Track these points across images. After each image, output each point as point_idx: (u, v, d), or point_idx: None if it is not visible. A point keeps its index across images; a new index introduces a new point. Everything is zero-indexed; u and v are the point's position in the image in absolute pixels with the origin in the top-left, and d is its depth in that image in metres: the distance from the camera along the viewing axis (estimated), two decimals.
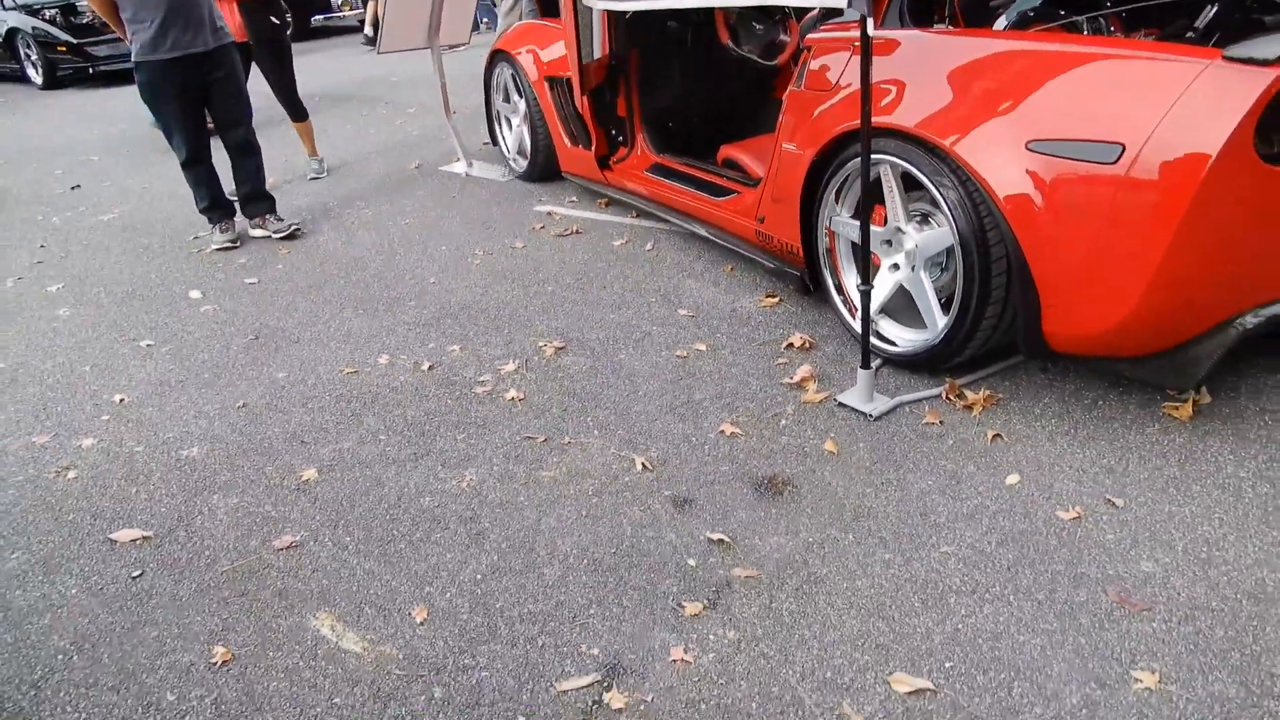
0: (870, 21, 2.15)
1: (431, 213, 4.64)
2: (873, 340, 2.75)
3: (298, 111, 5.33)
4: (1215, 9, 3.03)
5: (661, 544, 2.10)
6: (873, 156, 2.54)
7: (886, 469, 2.29)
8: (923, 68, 2.49)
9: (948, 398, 2.54)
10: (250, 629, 1.96)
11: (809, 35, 2.91)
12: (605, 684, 1.74)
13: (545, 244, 4.05)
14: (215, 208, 4.31)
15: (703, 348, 2.97)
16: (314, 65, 9.97)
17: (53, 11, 10.02)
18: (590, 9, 3.64)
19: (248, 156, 4.38)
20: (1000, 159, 2.22)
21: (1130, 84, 2.03)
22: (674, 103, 4.10)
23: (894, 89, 2.54)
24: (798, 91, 2.90)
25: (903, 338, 2.69)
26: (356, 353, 3.19)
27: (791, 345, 2.92)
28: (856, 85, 2.60)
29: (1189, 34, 2.98)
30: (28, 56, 10.40)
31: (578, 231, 4.16)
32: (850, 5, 2.14)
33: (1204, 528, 1.99)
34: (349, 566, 2.12)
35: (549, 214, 4.44)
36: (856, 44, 2.68)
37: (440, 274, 3.82)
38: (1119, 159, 2.00)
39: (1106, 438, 2.32)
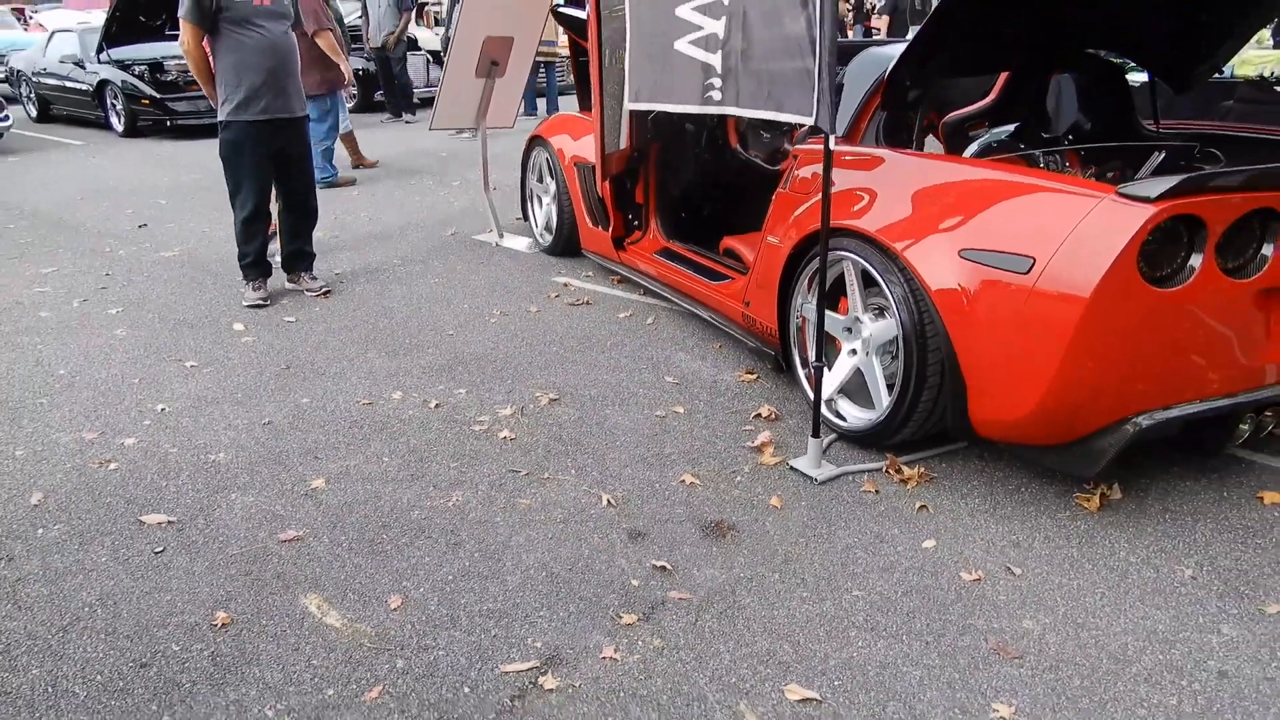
0: (832, 138, 2.56)
1: (459, 275, 5.07)
2: (829, 416, 3.07)
3: None
4: (1162, 156, 3.42)
5: (612, 566, 2.40)
6: (836, 253, 2.92)
7: (820, 525, 2.58)
8: (888, 182, 2.88)
9: (888, 471, 2.84)
10: (249, 601, 2.28)
11: (797, 146, 3.32)
12: (542, 670, 2.03)
13: (557, 310, 4.45)
14: (256, 265, 4.63)
15: (680, 410, 3.31)
16: (372, 135, 10.69)
17: (141, 68, 10.88)
18: (617, 105, 4.11)
19: (307, 219, 4.77)
20: (938, 263, 2.58)
21: (1045, 210, 2.40)
22: (686, 195, 4.54)
23: (865, 197, 2.92)
24: (783, 193, 3.31)
25: (854, 415, 3.01)
26: (374, 387, 3.56)
27: (760, 415, 3.24)
28: (841, 190, 3.01)
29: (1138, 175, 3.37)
30: (113, 106, 11.25)
31: (588, 302, 4.55)
32: (815, 120, 2.54)
33: (1087, 599, 2.26)
34: (340, 560, 2.44)
35: (565, 285, 4.86)
36: (842, 155, 3.10)
37: (459, 327, 4.22)
38: (1030, 270, 2.35)
39: (1020, 518, 2.61)
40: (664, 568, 2.38)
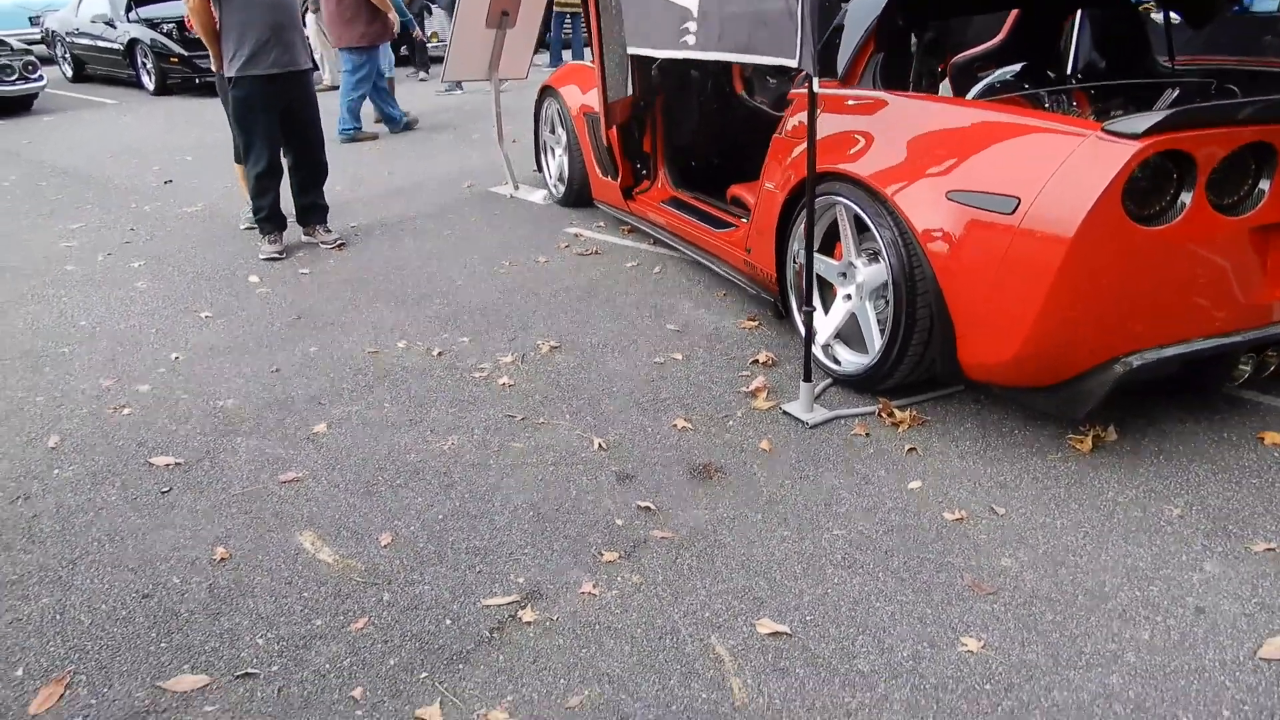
0: (815, 80, 2.53)
1: (472, 228, 5.11)
2: (825, 361, 3.08)
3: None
4: (1176, 93, 3.32)
5: (598, 507, 2.45)
6: (828, 198, 2.90)
7: (808, 467, 2.60)
8: (880, 125, 2.84)
9: (880, 415, 2.85)
10: (247, 538, 2.37)
11: (792, 90, 3.28)
12: (522, 604, 2.09)
13: (566, 261, 4.47)
14: (271, 219, 4.70)
15: (679, 357, 3.33)
16: (395, 92, 10.70)
17: (170, 26, 10.96)
18: (619, 52, 4.08)
19: (317, 173, 4.84)
20: (925, 206, 2.56)
21: (1032, 149, 2.36)
22: (693, 143, 4.51)
23: (858, 141, 2.89)
24: (780, 139, 3.28)
25: (849, 360, 3.01)
26: (380, 337, 3.62)
27: (757, 361, 3.26)
28: (824, 134, 2.98)
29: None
30: (144, 64, 11.38)
31: (597, 252, 4.57)
32: (799, 62, 2.51)
33: (1068, 537, 2.26)
34: (336, 500, 2.52)
35: (576, 235, 4.87)
36: (827, 100, 3.06)
37: (468, 279, 4.26)
38: (1015, 210, 2.32)
39: (1010, 460, 2.60)
40: (649, 508, 2.43)
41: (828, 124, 3.04)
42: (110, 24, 11.77)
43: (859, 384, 2.97)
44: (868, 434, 2.76)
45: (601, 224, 5.05)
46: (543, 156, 5.67)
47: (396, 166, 6.75)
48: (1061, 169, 2.24)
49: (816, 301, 3.15)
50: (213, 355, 3.52)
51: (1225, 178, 2.26)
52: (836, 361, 3.06)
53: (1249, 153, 2.25)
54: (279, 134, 4.60)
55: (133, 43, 11.37)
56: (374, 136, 7.90)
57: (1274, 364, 2.60)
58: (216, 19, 4.37)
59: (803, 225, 3.11)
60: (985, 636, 1.95)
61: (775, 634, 1.97)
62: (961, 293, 2.52)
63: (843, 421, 2.84)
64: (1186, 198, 2.22)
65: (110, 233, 5.32)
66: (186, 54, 10.84)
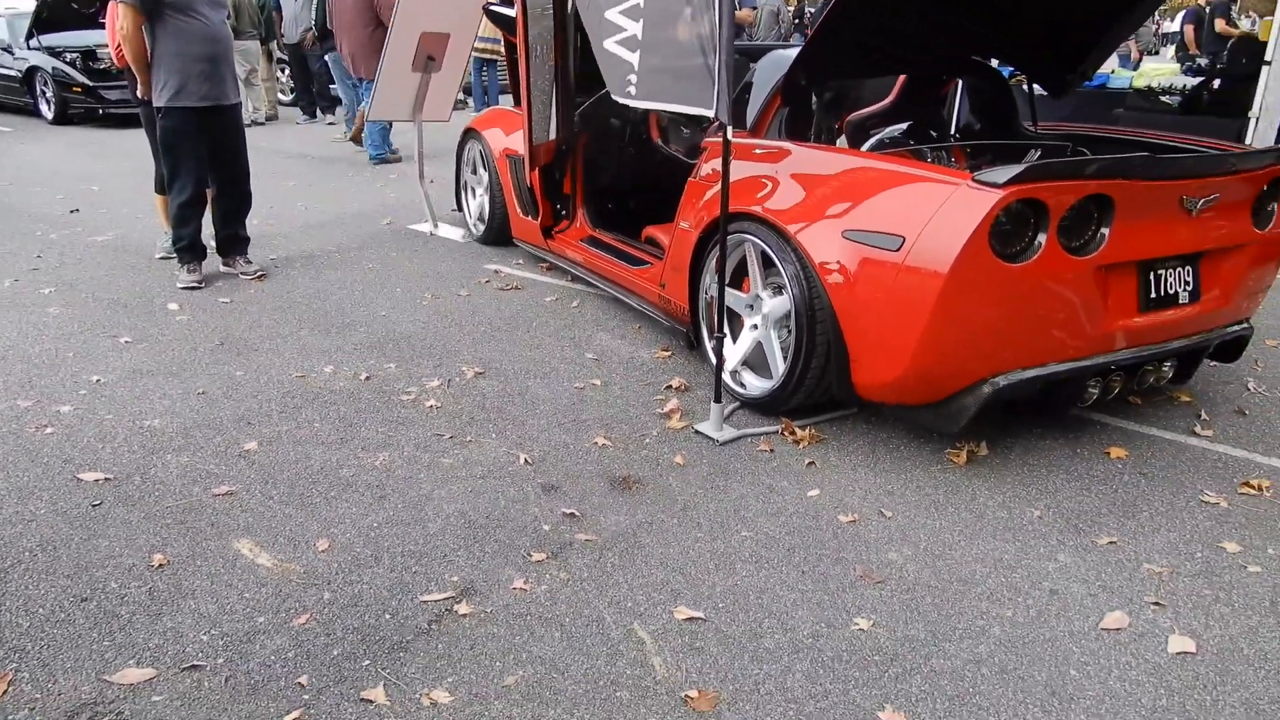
0: (729, 128, 2.82)
1: (393, 262, 5.24)
2: (733, 386, 3.35)
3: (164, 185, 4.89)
4: (1039, 154, 3.77)
5: (526, 514, 2.62)
6: (738, 236, 3.20)
7: (718, 478, 2.84)
8: (785, 171, 3.16)
9: (783, 433, 3.12)
10: (184, 546, 2.45)
11: (705, 139, 3.59)
12: (458, 599, 2.24)
13: (487, 294, 4.65)
14: (191, 249, 4.71)
15: (597, 383, 3.55)
16: (312, 129, 10.73)
17: (74, 55, 10.75)
18: (545, 99, 4.33)
19: (241, 204, 4.90)
20: (824, 243, 2.87)
21: (915, 194, 2.69)
22: (611, 186, 4.78)
23: (765, 185, 3.20)
24: (695, 182, 3.57)
25: (754, 384, 3.29)
26: (306, 362, 3.72)
27: (671, 387, 3.50)
28: (736, 179, 3.28)
29: None
30: (43, 93, 11.09)
31: (517, 288, 4.77)
32: (715, 112, 2.80)
33: (945, 535, 2.56)
34: (271, 510, 2.62)
35: (496, 271, 5.06)
36: (737, 148, 3.38)
37: (391, 309, 4.40)
38: (900, 248, 2.64)
39: (896, 471, 2.90)
40: (573, 515, 2.62)
41: (738, 170, 3.34)
42: (8, 50, 11.45)
43: (764, 406, 3.24)
44: (772, 450, 3.02)
45: (520, 261, 5.25)
46: (464, 196, 5.85)
47: (312, 202, 6.82)
48: (939, 212, 2.58)
49: (725, 330, 3.44)
50: (135, 378, 3.55)
51: (1074, 223, 2.64)
52: (743, 386, 3.33)
53: (1092, 203, 2.64)
54: (204, 165, 4.66)
55: (32, 70, 11.09)
56: (399, 159, 8.09)
57: (1118, 387, 2.99)
58: (149, 48, 4.41)
59: (714, 261, 3.40)
60: (874, 617, 2.20)
61: (691, 619, 2.18)
62: (855, 321, 2.82)
63: (749, 439, 3.10)
64: (1042, 240, 2.58)
65: (16, 260, 5.23)
66: (91, 84, 10.64)
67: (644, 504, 2.69)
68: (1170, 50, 11.70)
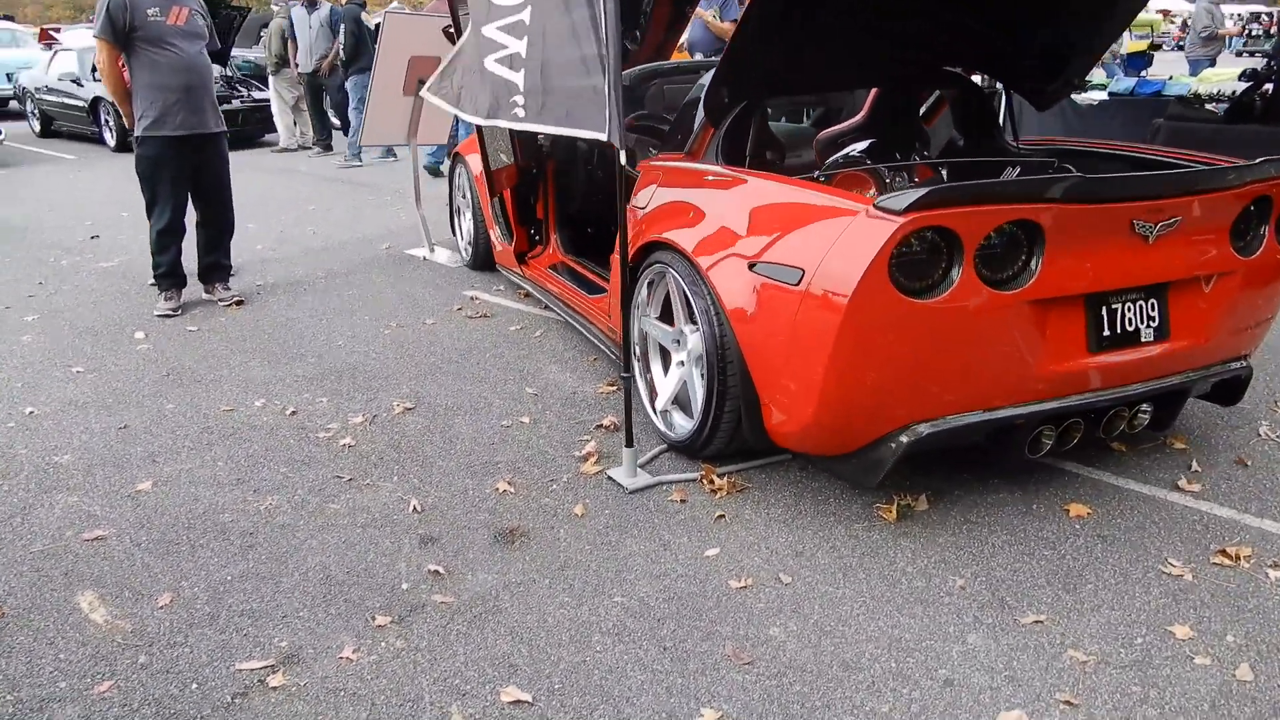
0: (622, 154, 2.60)
1: (375, 288, 5.16)
2: (661, 426, 3.10)
3: None
4: (1017, 171, 3.42)
5: (390, 570, 2.44)
6: (661, 267, 2.96)
7: (613, 532, 2.60)
8: (704, 198, 2.92)
9: (702, 481, 2.86)
10: (28, 596, 2.35)
11: (640, 163, 3.37)
12: (275, 668, 2.07)
13: (453, 323, 4.51)
14: (170, 276, 4.73)
15: (527, 420, 3.35)
16: (311, 165, 10.88)
17: None
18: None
19: (222, 233, 4.89)
20: (730, 276, 2.61)
21: (817, 223, 2.42)
22: (582, 210, 4.59)
23: (685, 212, 2.96)
24: (629, 208, 3.34)
25: (681, 426, 3.03)
26: (242, 395, 3.63)
27: (601, 426, 3.28)
28: (660, 205, 3.06)
29: None
30: (106, 122, 11.57)
31: (485, 316, 4.61)
32: (607, 136, 2.58)
33: (845, 607, 2.26)
34: (132, 559, 2.51)
35: (472, 298, 4.92)
36: (667, 171, 3.15)
37: (349, 339, 4.29)
38: (800, 281, 2.37)
39: (815, 527, 2.61)
40: (438, 572, 2.42)
41: (666, 196, 3.12)
42: (77, 81, 11.98)
43: (686, 450, 2.99)
44: (684, 500, 2.77)
45: (501, 288, 5.10)
46: (455, 220, 5.75)
47: (323, 226, 6.84)
48: (838, 242, 2.30)
49: (659, 367, 3.20)
50: (67, 410, 3.52)
51: (998, 253, 2.32)
52: (672, 428, 3.08)
53: (1020, 230, 2.32)
54: (184, 193, 4.64)
55: (96, 100, 11.56)
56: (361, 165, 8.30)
57: (1077, 435, 2.64)
58: (128, 79, 4.43)
59: (644, 293, 3.17)
60: (725, 708, 1.93)
61: (516, 702, 1.95)
62: (761, 361, 2.56)
63: (664, 487, 2.85)
64: (956, 272, 2.27)
65: (19, 286, 5.35)
66: None
67: (521, 561, 2.48)
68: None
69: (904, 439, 2.41)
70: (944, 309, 2.28)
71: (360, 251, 6.06)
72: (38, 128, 13.34)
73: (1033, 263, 2.34)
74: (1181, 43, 16.48)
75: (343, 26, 9.34)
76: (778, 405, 2.55)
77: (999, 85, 3.68)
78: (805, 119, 4.93)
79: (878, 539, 2.55)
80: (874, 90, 3.76)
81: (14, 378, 3.87)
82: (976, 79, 3.73)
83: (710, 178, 2.95)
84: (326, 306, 4.82)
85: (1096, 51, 3.36)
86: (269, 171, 9.61)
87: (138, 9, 4.25)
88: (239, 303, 4.89)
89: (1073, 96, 7.41)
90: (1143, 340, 2.55)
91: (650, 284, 3.13)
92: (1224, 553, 2.44)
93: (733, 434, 2.80)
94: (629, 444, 2.86)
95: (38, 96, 13.04)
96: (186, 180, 4.64)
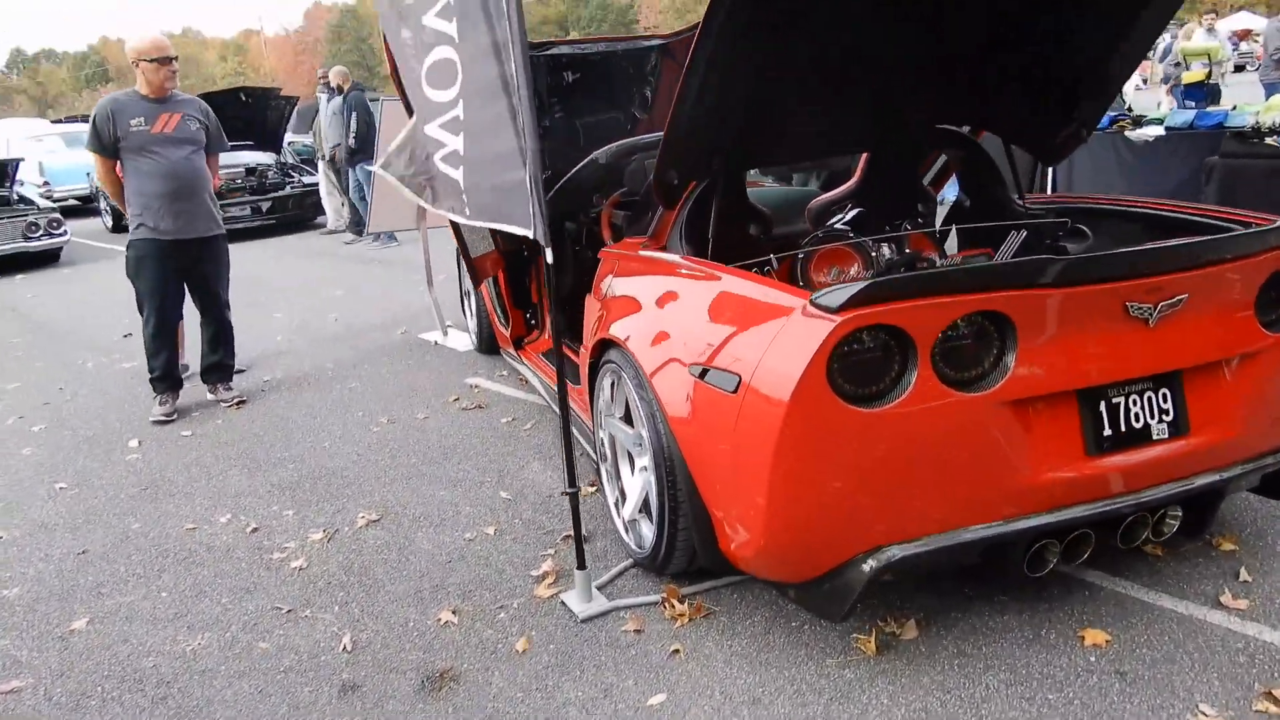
0: (548, 250, 2.38)
1: (379, 379, 5.03)
2: (627, 540, 2.82)
3: None
4: (1024, 234, 3.08)
5: None
6: (612, 365, 2.71)
7: (552, 675, 2.32)
8: (652, 291, 2.66)
9: (663, 605, 2.56)
10: None
11: (602, 250, 3.14)
12: None
13: (446, 416, 4.32)
14: (164, 380, 4.68)
15: (491, 531, 3.10)
16: (347, 254, 11.02)
17: None
18: None
19: (220, 334, 4.83)
20: (671, 380, 2.34)
21: (756, 319, 2.13)
22: (575, 291, 4.38)
23: (633, 306, 2.71)
24: (589, 298, 3.12)
25: (646, 538, 2.74)
26: (210, 509, 3.49)
27: (569, 537, 3.00)
28: (615, 296, 2.82)
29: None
30: None
31: (480, 407, 4.42)
32: (533, 234, 2.37)
33: None
34: (40, 714, 2.33)
35: (473, 387, 4.74)
36: (621, 259, 2.92)
37: (337, 439, 4.14)
38: (736, 389, 2.08)
39: (782, 664, 2.28)
40: None
41: (619, 287, 2.89)
42: None
43: (649, 567, 2.70)
44: (639, 631, 2.47)
45: (505, 373, 4.92)
46: (465, 302, 5.63)
47: (346, 312, 6.81)
48: (773, 344, 2.01)
49: (629, 471, 2.93)
50: (35, 533, 3.43)
51: (960, 349, 2.00)
52: (640, 541, 2.78)
53: (987, 321, 2.00)
54: (173, 297, 4.61)
55: None
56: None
57: (1088, 549, 2.25)
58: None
59: (605, 392, 2.92)
60: None
61: None
62: (706, 474, 2.27)
63: (620, 614, 2.55)
64: (912, 374, 1.96)
65: (39, 393, 5.40)
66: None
67: (439, 715, 2.21)
68: None
69: (872, 564, 2.07)
70: (901, 415, 1.96)
71: (375, 338, 5.98)
72: (110, 223, 13.95)
73: (1006, 358, 2.01)
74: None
75: (353, 114, 9.46)
76: (729, 523, 2.25)
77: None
78: (815, 180, 4.68)
79: (851, 679, 2.20)
80: (864, 154, 3.49)
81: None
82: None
83: (651, 267, 2.70)
84: (324, 402, 4.71)
85: (1109, 92, 3.01)
86: (309, 256, 9.77)
87: (121, 120, 4.27)
88: (240, 403, 4.82)
89: (1126, 134, 6.96)
90: (1155, 438, 2.17)
91: (612, 383, 2.87)
92: (1271, 695, 2.02)
93: (692, 552, 2.50)
94: (580, 565, 2.58)
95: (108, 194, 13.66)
96: (174, 283, 4.57)
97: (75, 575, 3.08)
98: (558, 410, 3.80)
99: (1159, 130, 6.84)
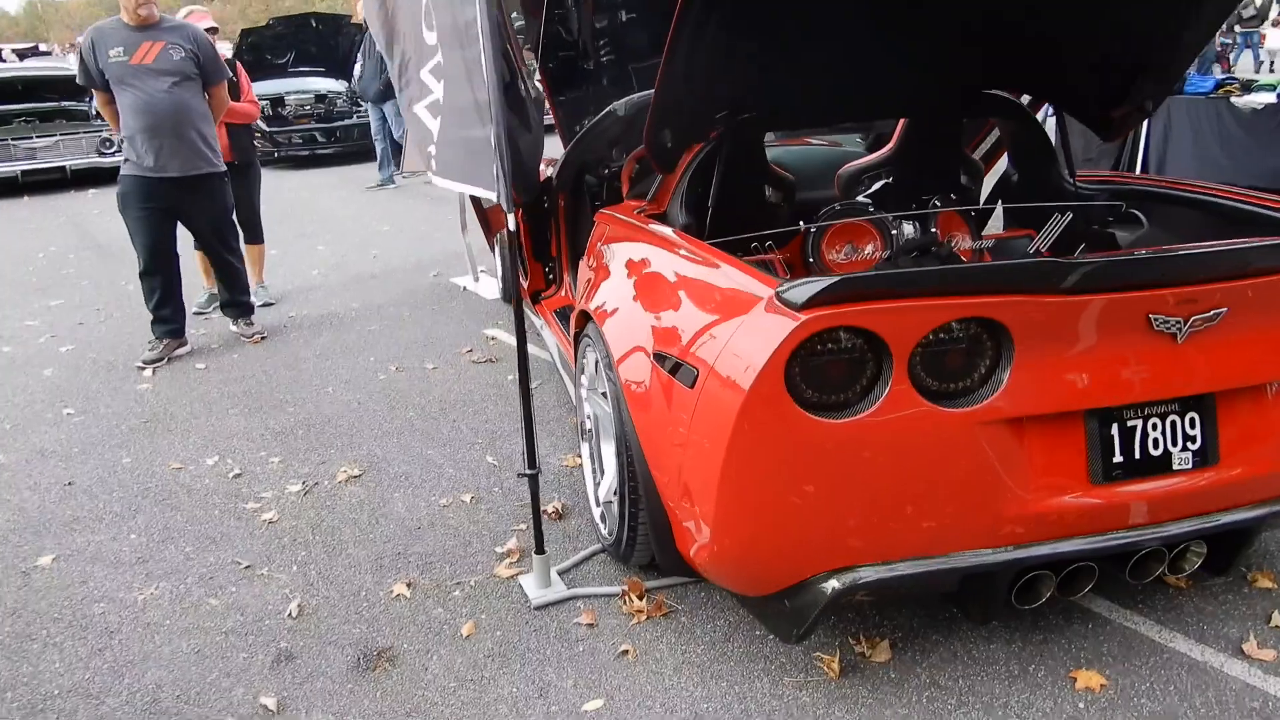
0: (511, 216, 2.19)
1: (398, 324, 4.94)
2: (598, 522, 2.67)
3: (255, 234, 5.32)
4: (1068, 218, 2.77)
5: (225, 698, 2.12)
6: (586, 341, 2.53)
7: (490, 666, 2.19)
8: (631, 263, 2.45)
9: (622, 598, 2.40)
10: None
11: (599, 211, 2.93)
12: None
13: (454, 369, 4.21)
14: (158, 322, 4.49)
15: (468, 499, 2.98)
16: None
17: (264, 103, 11.64)
18: None
19: (226, 272, 4.72)
20: (633, 364, 2.15)
21: (720, 308, 1.91)
22: None
23: (610, 279, 2.51)
24: (583, 260, 2.92)
25: (614, 524, 2.58)
26: (201, 450, 3.45)
27: (544, 512, 2.85)
28: (600, 265, 2.62)
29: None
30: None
31: (491, 360, 4.29)
32: (497, 197, 2.18)
33: None
34: None
35: (490, 339, 4.61)
36: (612, 222, 2.71)
37: (340, 385, 4.07)
38: (695, 383, 1.88)
39: (735, 678, 2.10)
40: (269, 709, 2.08)
41: (607, 255, 2.68)
42: None
43: (613, 555, 2.53)
44: (592, 625, 2.32)
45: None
46: (494, 249, 5.47)
47: (386, 250, 6.75)
48: (733, 338, 1.79)
49: (609, 452, 2.76)
50: (32, 460, 3.44)
51: (946, 359, 1.75)
52: (611, 530, 2.62)
53: (980, 329, 1.74)
54: (161, 236, 4.39)
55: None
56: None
57: (1089, 584, 1.99)
58: None
59: (589, 365, 2.74)
60: None
61: None
62: (665, 471, 2.07)
63: (575, 604, 2.40)
64: (885, 383, 1.72)
65: (77, 313, 5.48)
66: (267, 129, 11.41)
67: (368, 697, 2.10)
68: None
69: (835, 584, 1.85)
70: (871, 427, 1.73)
71: (407, 280, 5.89)
72: None
73: (999, 372, 1.76)
74: None
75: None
76: (685, 524, 2.06)
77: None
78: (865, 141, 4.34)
79: (807, 703, 2.02)
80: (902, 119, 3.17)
81: (7, 418, 3.86)
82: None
83: (633, 235, 2.48)
84: (340, 344, 4.64)
85: (1178, 66, 2.64)
86: (366, 189, 9.72)
87: (101, 50, 4.07)
88: (261, 338, 4.78)
89: (1232, 99, 6.35)
90: (1176, 468, 1.89)
91: (596, 359, 2.68)
92: None
93: (651, 545, 2.33)
94: (539, 550, 2.43)
95: None
96: (161, 221, 4.35)
97: (56, 507, 3.07)
98: (562, 373, 3.65)
99: (1270, 97, 6.19)
